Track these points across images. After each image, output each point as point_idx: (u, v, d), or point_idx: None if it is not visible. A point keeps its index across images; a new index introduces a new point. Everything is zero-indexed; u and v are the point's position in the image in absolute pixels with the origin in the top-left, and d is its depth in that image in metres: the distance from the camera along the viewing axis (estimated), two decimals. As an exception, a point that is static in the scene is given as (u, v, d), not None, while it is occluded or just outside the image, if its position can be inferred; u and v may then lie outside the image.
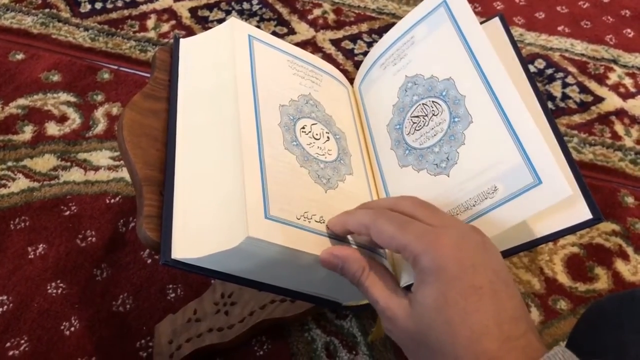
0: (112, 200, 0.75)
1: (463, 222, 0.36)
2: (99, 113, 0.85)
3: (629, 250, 0.76)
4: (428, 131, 0.47)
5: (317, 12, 1.06)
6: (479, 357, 0.31)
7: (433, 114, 0.47)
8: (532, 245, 0.42)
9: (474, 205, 0.42)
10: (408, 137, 0.48)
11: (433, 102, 0.48)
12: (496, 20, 0.53)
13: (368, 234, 0.38)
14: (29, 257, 0.70)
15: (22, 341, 0.63)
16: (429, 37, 0.51)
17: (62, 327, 0.65)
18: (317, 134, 0.49)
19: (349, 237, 0.42)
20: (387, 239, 0.36)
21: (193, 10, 1.04)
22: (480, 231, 0.36)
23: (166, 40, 0.98)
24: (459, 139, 0.45)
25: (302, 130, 0.48)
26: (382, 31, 1.03)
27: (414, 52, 0.52)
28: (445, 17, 0.50)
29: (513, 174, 0.41)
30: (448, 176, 0.44)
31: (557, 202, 0.39)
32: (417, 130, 0.48)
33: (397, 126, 0.50)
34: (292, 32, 1.02)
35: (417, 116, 0.49)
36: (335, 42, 1.01)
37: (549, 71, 0.99)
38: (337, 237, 0.42)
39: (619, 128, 0.91)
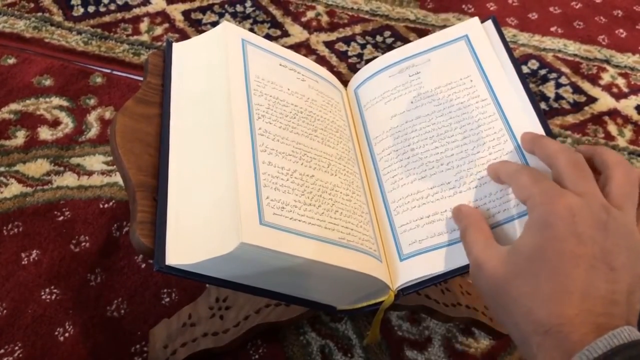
0: (106, 205, 0.75)
1: (601, 197, 0.35)
2: (92, 117, 0.85)
3: (623, 250, 0.76)
4: (438, 146, 0.48)
5: (310, 14, 1.06)
6: (550, 317, 0.31)
7: (445, 132, 0.49)
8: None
9: (486, 218, 0.43)
10: (415, 147, 0.49)
11: (445, 120, 0.49)
12: (489, 23, 0.53)
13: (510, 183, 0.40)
14: (23, 263, 0.69)
15: (16, 347, 0.63)
16: (446, 62, 0.52)
17: (56, 333, 0.64)
18: (310, 138, 0.49)
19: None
20: (520, 187, 0.38)
21: (186, 13, 1.04)
22: (610, 212, 0.34)
23: (160, 43, 0.97)
24: (471, 159, 0.46)
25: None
26: (375, 33, 1.03)
27: (428, 72, 0.53)
28: (465, 49, 0.52)
29: None
30: (456, 192, 0.45)
31: None
32: (425, 141, 0.49)
33: (403, 135, 0.50)
34: (285, 34, 1.02)
35: (427, 130, 0.49)
36: (329, 44, 1.01)
37: (543, 72, 0.99)
38: (332, 241, 0.42)
39: (612, 128, 0.91)
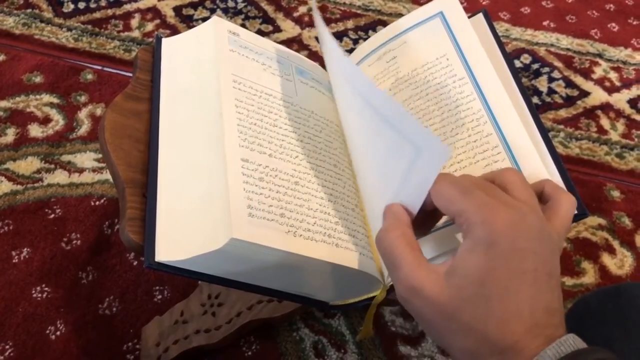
0: (97, 203, 0.74)
1: (524, 203, 0.35)
2: (83, 114, 0.84)
3: (615, 244, 0.77)
4: None
5: (302, 9, 1.06)
6: (505, 337, 0.31)
7: (423, 115, 0.48)
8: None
9: None
10: None
11: (423, 103, 0.48)
12: (480, 16, 0.53)
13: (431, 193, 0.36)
14: (13, 261, 0.69)
15: (7, 346, 0.62)
16: (422, 42, 0.51)
17: (48, 332, 0.64)
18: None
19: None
20: (447, 201, 0.34)
21: (177, 9, 1.03)
22: (540, 215, 0.35)
23: (150, 39, 0.97)
24: (450, 141, 0.45)
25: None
26: (367, 28, 1.03)
27: (405, 55, 0.51)
28: (440, 26, 0.51)
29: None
30: None
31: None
32: None
33: None
34: (277, 29, 1.02)
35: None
36: (321, 40, 1.00)
37: (535, 66, 0.99)
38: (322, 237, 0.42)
39: (604, 122, 0.91)
